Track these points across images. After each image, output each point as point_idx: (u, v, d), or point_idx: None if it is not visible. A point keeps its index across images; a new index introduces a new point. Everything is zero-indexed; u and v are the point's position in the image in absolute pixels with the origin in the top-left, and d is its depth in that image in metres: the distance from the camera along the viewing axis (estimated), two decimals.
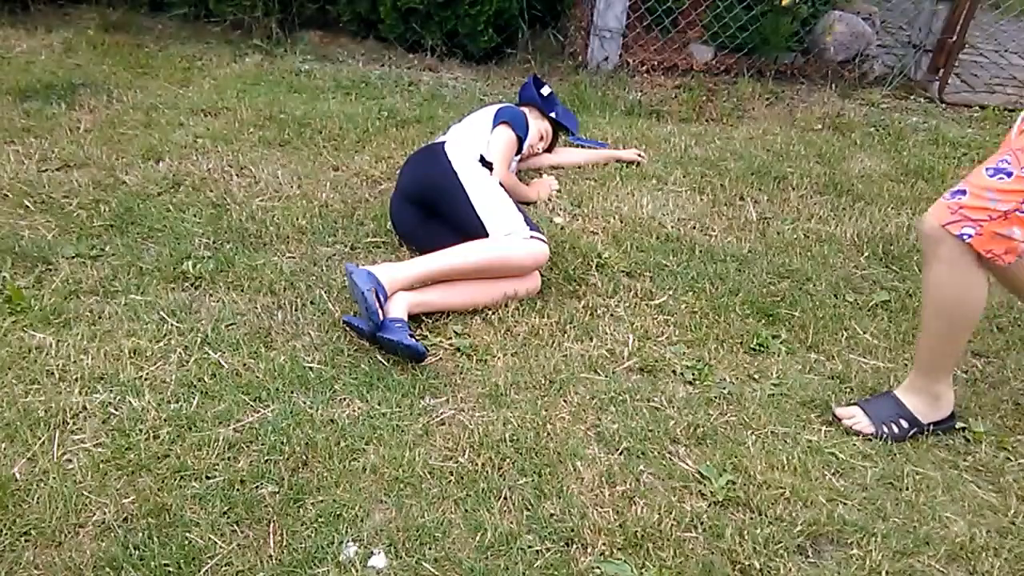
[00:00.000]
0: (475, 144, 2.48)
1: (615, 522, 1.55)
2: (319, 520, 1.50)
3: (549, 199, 2.78)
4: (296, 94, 3.54)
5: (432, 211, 2.32)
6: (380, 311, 1.90)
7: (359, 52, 4.19)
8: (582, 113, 3.62)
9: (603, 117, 3.64)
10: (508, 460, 1.67)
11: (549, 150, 3.03)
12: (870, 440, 1.82)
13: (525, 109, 2.87)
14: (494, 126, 2.55)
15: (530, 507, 1.57)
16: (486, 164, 2.45)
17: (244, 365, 1.88)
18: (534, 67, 4.14)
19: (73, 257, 2.22)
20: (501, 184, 2.38)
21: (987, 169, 1.56)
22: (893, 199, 3.01)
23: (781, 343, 2.14)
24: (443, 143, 2.41)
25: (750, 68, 4.25)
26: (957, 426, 1.89)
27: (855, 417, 1.84)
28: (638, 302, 2.26)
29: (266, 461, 1.62)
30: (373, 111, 3.38)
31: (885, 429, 1.81)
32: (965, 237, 1.54)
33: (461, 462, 1.66)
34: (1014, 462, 1.81)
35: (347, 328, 2.00)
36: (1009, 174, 1.53)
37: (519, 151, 2.63)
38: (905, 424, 1.81)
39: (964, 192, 1.57)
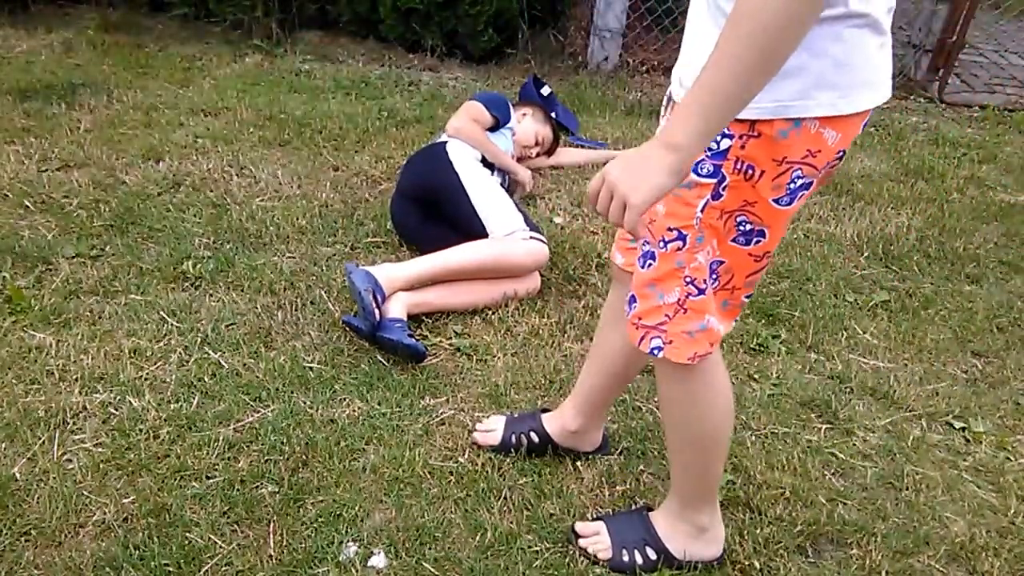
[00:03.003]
0: None
1: None
2: (319, 520, 1.50)
3: (547, 199, 2.78)
4: (296, 94, 3.54)
5: (433, 211, 2.32)
6: (377, 310, 1.90)
7: (359, 52, 4.19)
8: (582, 113, 3.62)
9: (603, 117, 3.64)
10: (508, 460, 1.67)
11: (548, 154, 2.99)
12: (868, 440, 1.82)
13: (528, 109, 2.84)
14: None
15: (530, 507, 1.57)
16: (487, 165, 2.45)
17: (244, 365, 1.88)
18: (534, 67, 4.14)
19: (73, 257, 2.22)
20: (475, 141, 2.38)
21: (638, 258, 1.22)
22: (893, 199, 3.01)
23: (781, 343, 2.13)
24: (444, 143, 2.41)
25: None
26: (957, 426, 1.89)
27: (598, 535, 1.49)
28: None
29: (266, 461, 1.62)
30: (373, 111, 3.38)
31: (625, 557, 1.46)
32: (656, 352, 1.21)
33: (461, 462, 1.66)
34: (1014, 462, 1.81)
35: (347, 328, 2.00)
36: (652, 256, 1.17)
37: (496, 128, 2.57)
38: (652, 554, 1.45)
39: (634, 299, 1.22)
